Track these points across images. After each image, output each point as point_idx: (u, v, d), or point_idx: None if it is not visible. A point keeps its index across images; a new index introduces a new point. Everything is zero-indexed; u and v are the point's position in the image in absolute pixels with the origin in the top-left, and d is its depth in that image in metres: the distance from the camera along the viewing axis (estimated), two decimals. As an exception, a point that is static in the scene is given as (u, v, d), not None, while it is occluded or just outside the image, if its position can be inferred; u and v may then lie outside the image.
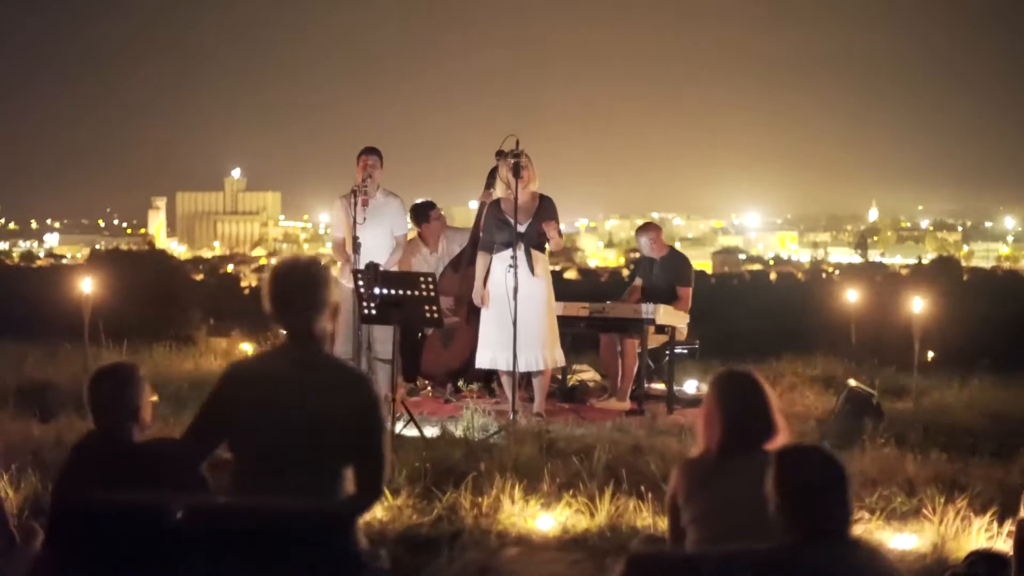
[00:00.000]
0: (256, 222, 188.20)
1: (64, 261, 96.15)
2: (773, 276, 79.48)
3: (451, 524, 6.04)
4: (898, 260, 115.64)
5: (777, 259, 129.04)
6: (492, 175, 10.30)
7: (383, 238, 9.40)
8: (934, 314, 10.65)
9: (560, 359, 9.36)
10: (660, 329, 9.96)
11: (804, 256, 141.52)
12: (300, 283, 4.09)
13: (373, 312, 8.36)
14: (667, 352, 10.26)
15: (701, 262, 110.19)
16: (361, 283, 8.34)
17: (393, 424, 8.22)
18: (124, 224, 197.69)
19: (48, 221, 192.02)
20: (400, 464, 6.78)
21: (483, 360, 9.28)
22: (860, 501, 6.61)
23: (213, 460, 4.12)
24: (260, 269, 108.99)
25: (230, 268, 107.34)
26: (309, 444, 3.93)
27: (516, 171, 8.98)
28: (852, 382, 9.43)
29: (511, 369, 9.05)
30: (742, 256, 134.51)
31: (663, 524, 5.05)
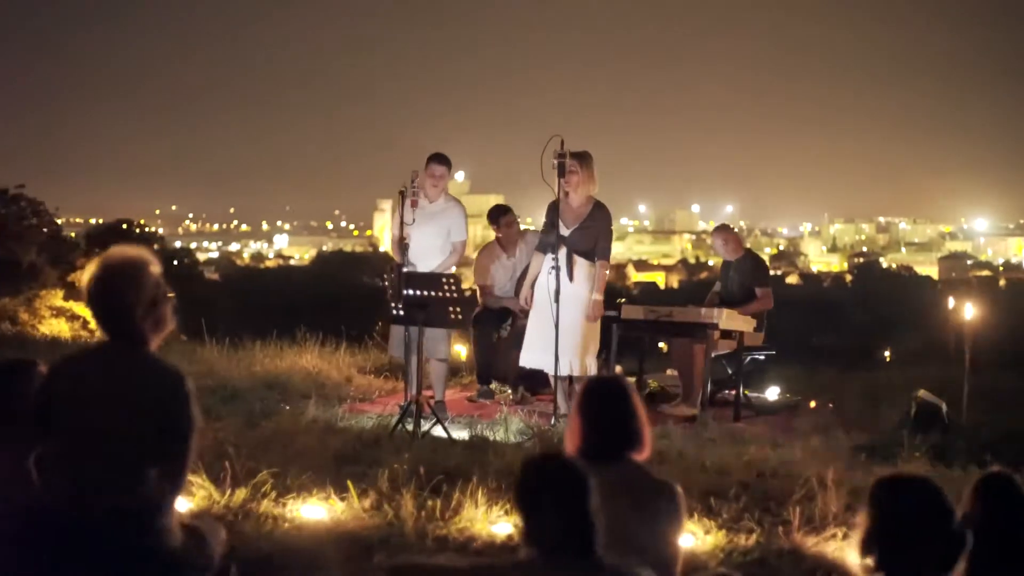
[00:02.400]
0: (479, 224, 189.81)
1: (292, 262, 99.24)
2: (1002, 283, 76.57)
3: (396, 527, 5.98)
4: None
5: (1007, 265, 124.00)
6: None
7: (435, 239, 9.39)
8: None
9: (592, 367, 9.16)
10: (727, 334, 9.69)
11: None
12: (117, 283, 4.04)
13: (400, 313, 8.38)
14: (744, 357, 10.05)
15: (927, 268, 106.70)
16: (387, 284, 8.38)
17: (417, 425, 8.22)
18: (351, 226, 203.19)
19: (279, 223, 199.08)
20: (383, 466, 6.77)
21: (524, 360, 9.19)
22: (837, 515, 6.33)
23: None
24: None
25: (453, 269, 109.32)
26: (111, 441, 3.93)
27: (561, 171, 8.86)
28: (921, 393, 9.00)
29: (553, 372, 8.98)
30: (970, 262, 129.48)
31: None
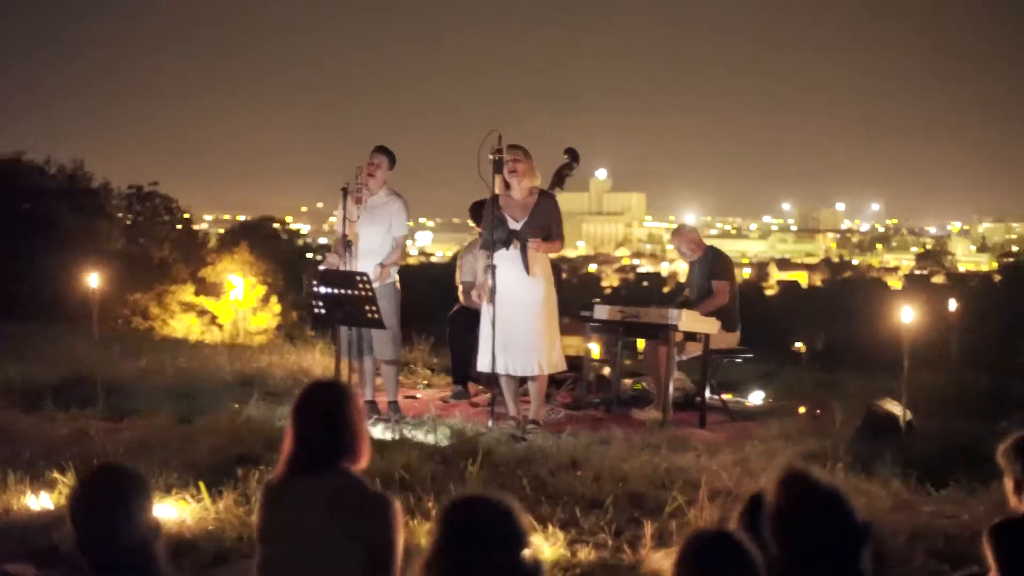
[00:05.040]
0: (620, 223, 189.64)
1: (433, 259, 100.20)
2: None
3: (227, 532, 5.86)
4: None
5: None
6: (559, 174, 9.94)
7: (380, 237, 9.16)
8: None
9: (560, 363, 8.91)
10: (692, 336, 9.34)
11: None
12: None
13: (322, 311, 8.25)
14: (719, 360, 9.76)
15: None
16: (315, 282, 8.25)
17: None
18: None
19: (422, 220, 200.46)
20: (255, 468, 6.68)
21: (481, 364, 8.93)
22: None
23: None
24: (623, 270, 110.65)
25: (592, 268, 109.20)
26: None
27: (498, 167, 8.67)
28: (880, 402, 8.56)
29: (507, 373, 8.78)
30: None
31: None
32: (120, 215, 37.13)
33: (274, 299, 29.92)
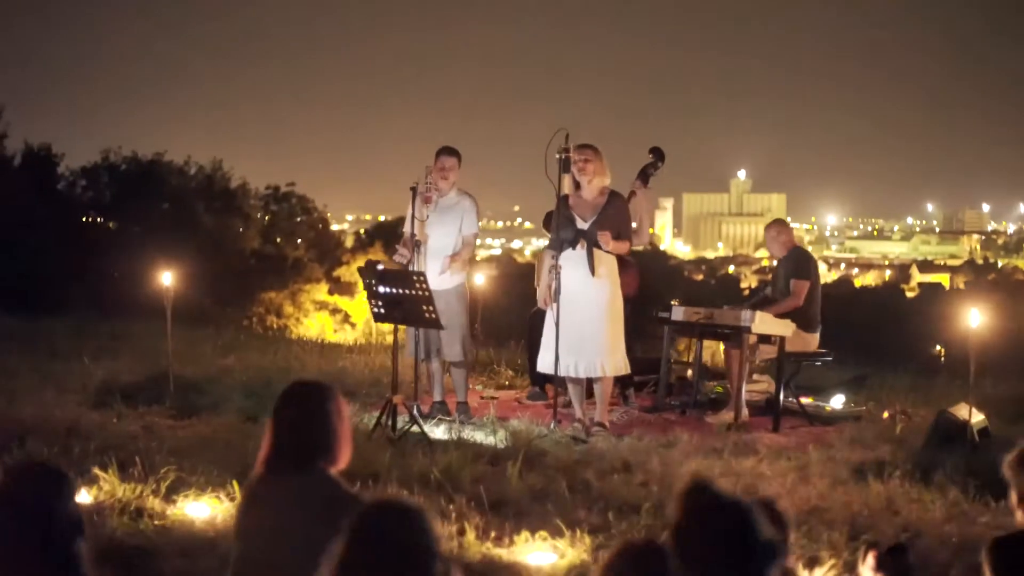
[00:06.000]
0: (760, 224, 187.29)
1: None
2: None
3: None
4: None
5: None
6: (643, 172, 9.91)
7: (451, 237, 9.08)
8: None
9: (624, 366, 8.74)
10: (766, 339, 9.12)
11: None
12: None
13: (382, 311, 8.21)
14: (802, 362, 9.56)
15: None
16: (373, 281, 8.21)
17: (393, 423, 8.05)
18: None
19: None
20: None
21: (543, 364, 8.84)
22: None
23: None
24: (762, 271, 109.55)
25: (731, 269, 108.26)
26: None
27: (565, 167, 8.55)
28: (955, 408, 8.23)
29: (571, 375, 8.66)
30: None
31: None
32: (258, 215, 37.94)
33: (407, 298, 30.31)
